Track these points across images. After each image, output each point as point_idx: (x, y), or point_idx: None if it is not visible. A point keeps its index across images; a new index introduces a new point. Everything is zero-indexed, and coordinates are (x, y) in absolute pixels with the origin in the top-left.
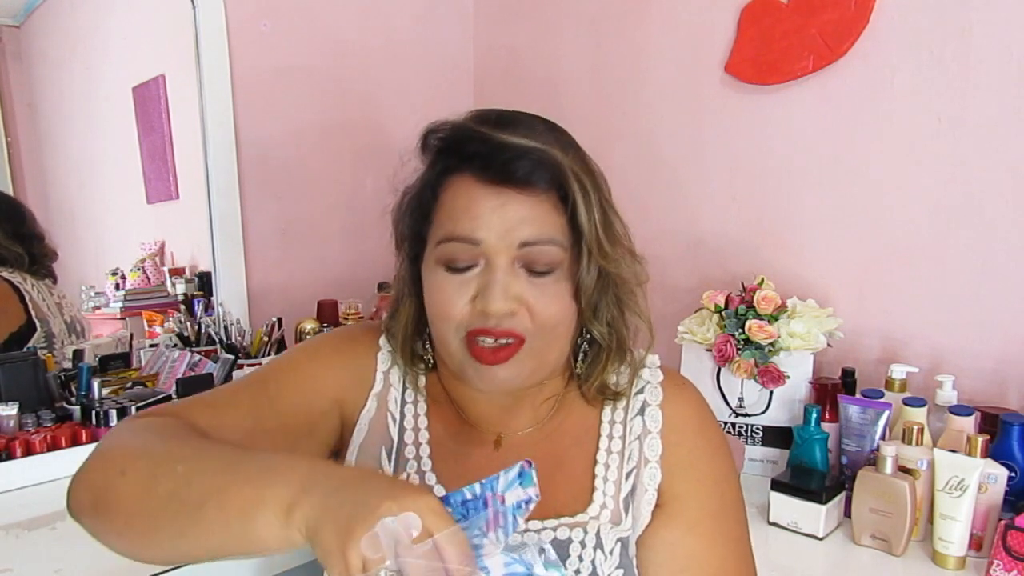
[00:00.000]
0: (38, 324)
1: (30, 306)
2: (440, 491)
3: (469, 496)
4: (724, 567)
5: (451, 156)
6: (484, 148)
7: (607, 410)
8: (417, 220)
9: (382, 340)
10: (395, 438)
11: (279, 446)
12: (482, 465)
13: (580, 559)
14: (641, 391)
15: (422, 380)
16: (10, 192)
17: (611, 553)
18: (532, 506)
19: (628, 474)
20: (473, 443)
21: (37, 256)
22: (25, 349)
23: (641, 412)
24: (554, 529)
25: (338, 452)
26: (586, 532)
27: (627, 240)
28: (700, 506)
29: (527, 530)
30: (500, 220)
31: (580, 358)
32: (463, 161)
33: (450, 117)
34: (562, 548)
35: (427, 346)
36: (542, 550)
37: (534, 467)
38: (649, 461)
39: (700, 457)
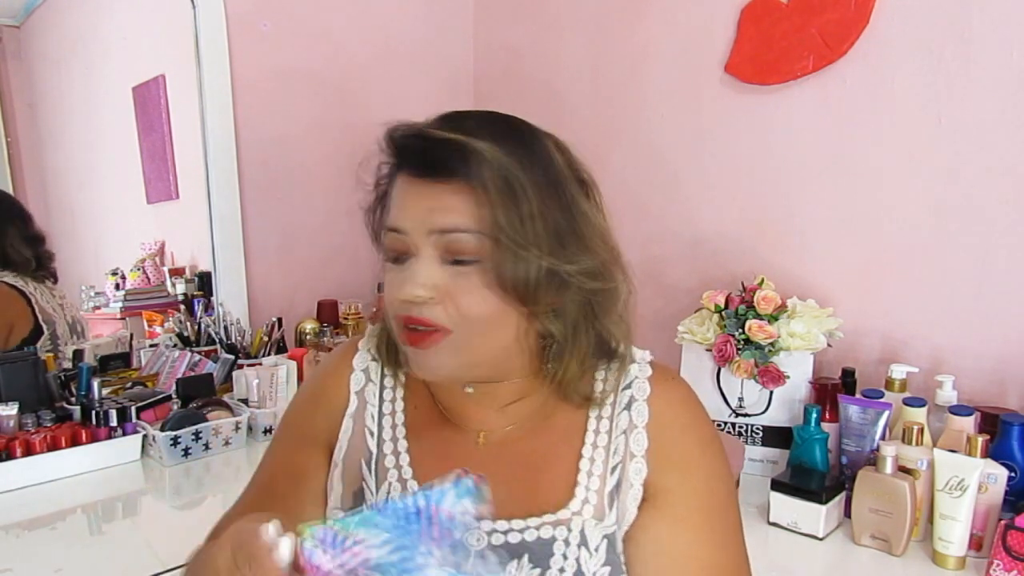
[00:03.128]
0: (44, 327)
1: (36, 310)
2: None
3: (413, 508)
4: (714, 563)
5: (396, 155)
6: (415, 143)
7: (594, 406)
8: (378, 218)
9: (356, 360)
10: (374, 450)
11: (292, 511)
12: (468, 463)
13: (564, 557)
14: (628, 386)
15: (401, 378)
16: (10, 191)
17: (596, 550)
18: (479, 522)
19: (613, 468)
20: (456, 442)
21: (43, 259)
22: (25, 349)
23: (628, 407)
24: (537, 528)
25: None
26: (570, 530)
27: (597, 241)
28: (688, 500)
29: (510, 529)
30: (418, 209)
31: (549, 357)
32: (402, 158)
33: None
34: (545, 547)
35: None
36: (483, 556)
37: (471, 476)
38: (635, 455)
39: (689, 451)
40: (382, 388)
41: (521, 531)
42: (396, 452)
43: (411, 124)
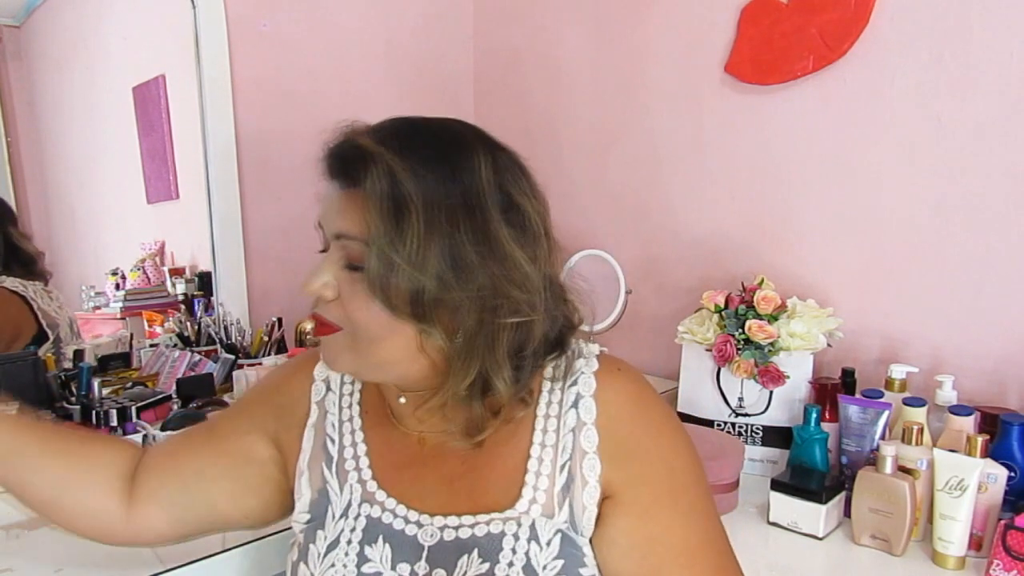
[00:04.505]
0: (49, 332)
1: (39, 315)
2: (382, 496)
3: None
4: (687, 543)
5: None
6: (333, 145)
7: (541, 404)
8: None
9: (317, 370)
10: (335, 456)
11: (221, 470)
12: (415, 464)
13: (513, 551)
14: (575, 383)
15: (358, 384)
16: (10, 191)
17: (548, 544)
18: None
19: (562, 467)
20: (404, 444)
21: (22, 258)
22: (25, 349)
23: (575, 404)
24: (487, 523)
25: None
26: (519, 525)
27: (510, 271)
28: (651, 489)
29: (460, 525)
30: (327, 210)
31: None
32: (323, 158)
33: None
34: (495, 541)
35: None
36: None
37: None
38: (587, 452)
39: (641, 439)
40: (341, 396)
41: (471, 526)
42: (356, 456)
43: (343, 126)
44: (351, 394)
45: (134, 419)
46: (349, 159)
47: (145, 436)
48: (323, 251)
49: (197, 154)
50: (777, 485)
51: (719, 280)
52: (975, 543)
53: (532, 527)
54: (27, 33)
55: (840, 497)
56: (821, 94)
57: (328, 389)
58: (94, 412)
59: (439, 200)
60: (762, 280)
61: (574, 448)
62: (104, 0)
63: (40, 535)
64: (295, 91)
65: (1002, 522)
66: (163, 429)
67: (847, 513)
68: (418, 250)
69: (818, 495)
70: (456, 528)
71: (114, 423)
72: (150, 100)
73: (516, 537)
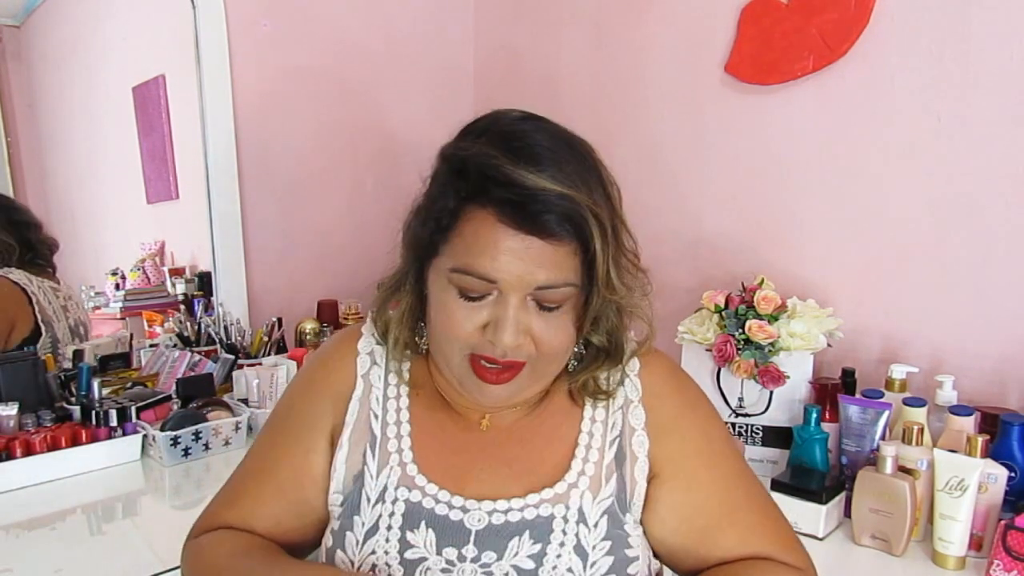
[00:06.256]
0: (43, 328)
1: (36, 309)
2: (422, 480)
3: None
4: (729, 503)
5: (475, 187)
6: (511, 193)
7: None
8: (432, 232)
9: (361, 344)
10: (377, 434)
11: (294, 500)
12: (470, 448)
13: (564, 533)
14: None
15: (406, 364)
16: (10, 191)
17: (595, 526)
18: None
19: (612, 441)
20: (459, 427)
21: (33, 244)
22: (25, 350)
23: (621, 382)
24: (536, 506)
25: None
26: (568, 507)
27: (633, 256)
28: (693, 460)
29: (510, 509)
30: (520, 264)
31: (576, 358)
32: (488, 197)
33: (473, 141)
34: (545, 524)
35: (423, 335)
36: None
37: None
38: (635, 429)
39: (682, 413)
40: (387, 372)
41: (520, 510)
42: (399, 436)
43: (496, 162)
44: (398, 372)
45: (134, 419)
46: (552, 212)
47: (145, 436)
48: (474, 296)
49: (197, 154)
50: (777, 485)
51: (719, 280)
52: (975, 543)
53: (580, 509)
54: (27, 33)
55: (840, 497)
56: (821, 94)
57: (373, 363)
58: (94, 412)
59: (614, 223)
60: (762, 280)
61: (623, 425)
62: (104, 0)
63: (40, 535)
64: (295, 91)
65: (1002, 522)
66: (163, 429)
67: (847, 513)
68: (616, 275)
69: (818, 495)
70: (505, 512)
71: (114, 423)
72: (150, 100)
73: (565, 519)
